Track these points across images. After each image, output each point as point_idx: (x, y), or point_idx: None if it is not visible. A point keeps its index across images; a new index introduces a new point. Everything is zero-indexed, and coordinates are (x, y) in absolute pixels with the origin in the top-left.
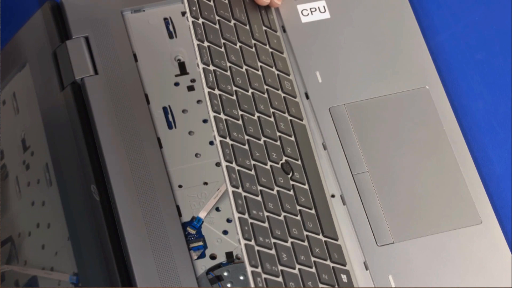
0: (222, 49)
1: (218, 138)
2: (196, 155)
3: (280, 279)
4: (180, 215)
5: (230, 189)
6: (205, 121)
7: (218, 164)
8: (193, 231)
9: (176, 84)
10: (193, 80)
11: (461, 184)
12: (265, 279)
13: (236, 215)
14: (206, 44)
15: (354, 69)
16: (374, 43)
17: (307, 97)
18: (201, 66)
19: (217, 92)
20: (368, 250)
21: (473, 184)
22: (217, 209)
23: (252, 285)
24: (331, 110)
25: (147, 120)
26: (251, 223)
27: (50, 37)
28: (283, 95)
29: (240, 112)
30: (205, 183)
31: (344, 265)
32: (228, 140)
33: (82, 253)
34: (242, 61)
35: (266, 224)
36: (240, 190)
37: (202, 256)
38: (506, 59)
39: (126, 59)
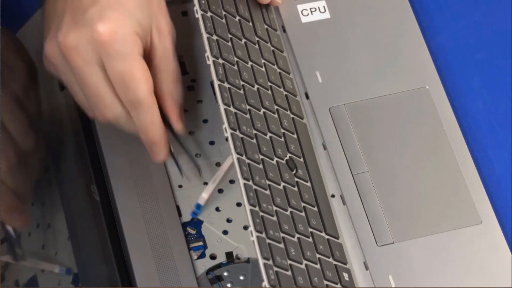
0: (229, 44)
1: (229, 131)
2: (196, 155)
3: (289, 273)
4: (180, 215)
5: (242, 181)
6: (205, 121)
7: (218, 164)
8: (193, 231)
9: None
10: (193, 80)
11: (461, 184)
12: (276, 272)
13: (248, 207)
14: (214, 37)
15: (354, 69)
16: (374, 43)
17: (307, 97)
18: (211, 59)
19: (226, 85)
20: (368, 250)
21: (473, 184)
22: (217, 209)
23: (265, 277)
24: (331, 110)
25: None
26: (262, 216)
27: None
28: (285, 93)
29: (248, 107)
30: (205, 183)
31: (345, 264)
32: (238, 133)
33: (82, 253)
34: (248, 56)
35: (275, 218)
36: (251, 183)
37: (202, 256)
38: (506, 59)
39: None
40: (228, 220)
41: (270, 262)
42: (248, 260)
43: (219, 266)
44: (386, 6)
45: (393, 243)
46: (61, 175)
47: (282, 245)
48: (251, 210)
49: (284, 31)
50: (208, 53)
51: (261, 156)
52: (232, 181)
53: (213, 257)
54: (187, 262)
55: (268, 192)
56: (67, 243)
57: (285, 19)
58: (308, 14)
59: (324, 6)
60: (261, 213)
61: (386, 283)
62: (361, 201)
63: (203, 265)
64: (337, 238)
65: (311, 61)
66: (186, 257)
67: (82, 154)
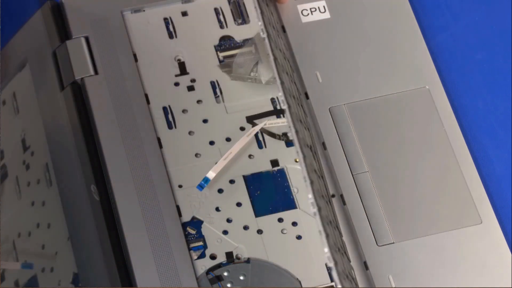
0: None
1: (285, 101)
2: (196, 155)
3: (336, 252)
4: (180, 215)
5: (301, 155)
6: (205, 121)
7: None
8: (193, 231)
9: (176, 84)
10: (193, 80)
11: (461, 184)
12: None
13: (309, 180)
14: (261, 16)
15: (354, 69)
16: (374, 43)
17: (307, 97)
18: (266, 32)
19: (276, 62)
20: (368, 250)
21: (473, 184)
22: (217, 209)
23: (327, 249)
24: (331, 110)
25: (147, 120)
26: (316, 190)
27: (50, 37)
28: (295, 87)
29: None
30: None
31: (350, 261)
32: (286, 106)
33: (82, 253)
34: (275, 42)
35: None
36: (303, 158)
37: (202, 256)
38: (506, 59)
39: (126, 59)
40: (228, 220)
41: (327, 237)
42: (248, 260)
43: (219, 266)
44: (386, 6)
45: (393, 243)
46: (61, 175)
47: (328, 226)
48: (311, 182)
49: (284, 31)
50: (262, 26)
51: (297, 138)
52: (232, 181)
53: (213, 257)
54: (187, 262)
55: (313, 171)
56: (67, 243)
57: (285, 19)
58: (308, 14)
59: (324, 6)
60: (315, 187)
61: (386, 283)
62: (361, 201)
63: (203, 265)
64: (342, 237)
65: (311, 61)
66: (186, 257)
67: (82, 154)
